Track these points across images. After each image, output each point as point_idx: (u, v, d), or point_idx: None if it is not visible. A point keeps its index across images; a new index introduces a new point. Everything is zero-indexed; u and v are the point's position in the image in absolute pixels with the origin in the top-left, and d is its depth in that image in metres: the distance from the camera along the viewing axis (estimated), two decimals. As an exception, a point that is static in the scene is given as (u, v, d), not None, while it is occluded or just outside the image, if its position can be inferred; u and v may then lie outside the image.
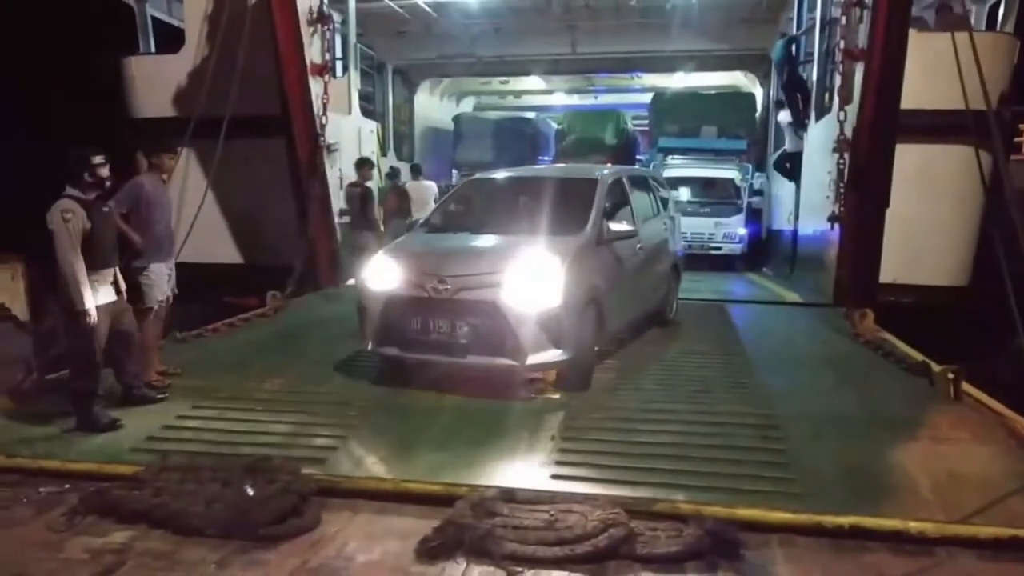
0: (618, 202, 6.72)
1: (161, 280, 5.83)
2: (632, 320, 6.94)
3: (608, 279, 6.01)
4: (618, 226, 6.23)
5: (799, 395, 5.67)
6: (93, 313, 4.77)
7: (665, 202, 8.30)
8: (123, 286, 5.17)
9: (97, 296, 4.86)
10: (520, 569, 3.21)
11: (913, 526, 3.49)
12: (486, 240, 6.02)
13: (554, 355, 5.32)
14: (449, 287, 5.32)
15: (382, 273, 5.72)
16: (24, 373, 5.55)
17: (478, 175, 7.95)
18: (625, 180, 7.13)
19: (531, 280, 5.31)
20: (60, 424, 4.88)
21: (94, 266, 4.85)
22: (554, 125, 21.86)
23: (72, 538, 3.57)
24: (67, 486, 4.09)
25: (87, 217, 4.78)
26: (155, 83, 10.31)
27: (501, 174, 7.71)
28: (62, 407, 4.99)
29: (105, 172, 4.94)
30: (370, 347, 5.69)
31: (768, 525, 3.59)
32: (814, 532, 3.54)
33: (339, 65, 11.88)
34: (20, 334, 7.01)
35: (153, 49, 11.31)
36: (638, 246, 6.82)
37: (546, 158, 19.86)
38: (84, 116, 9.65)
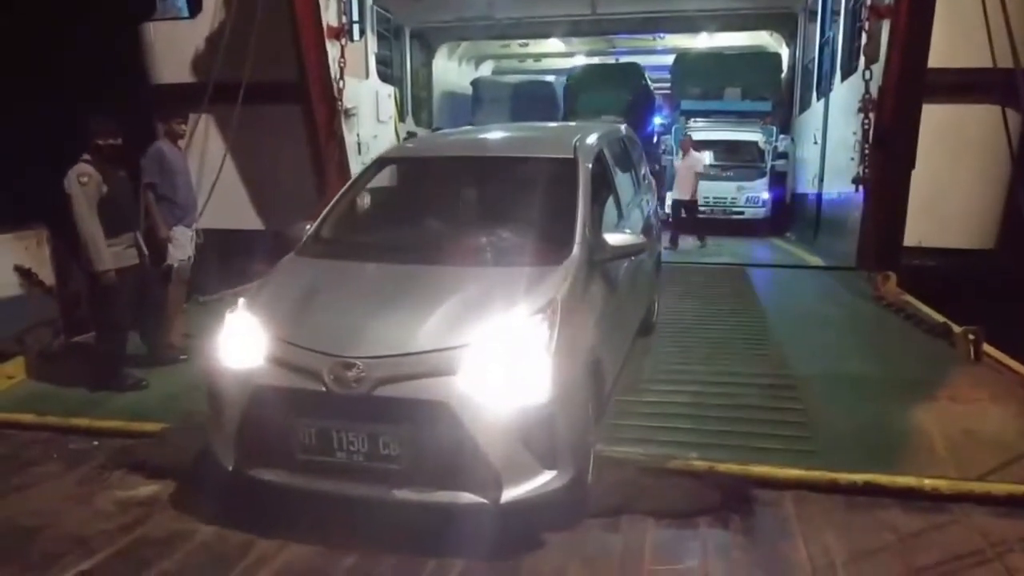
0: (602, 189, 4.52)
1: (184, 242, 5.91)
2: (626, 353, 4.82)
3: (608, 320, 3.96)
4: (619, 238, 4.06)
5: (817, 356, 5.64)
6: (113, 274, 4.86)
7: (639, 165, 6.26)
8: (145, 249, 5.25)
9: (118, 259, 4.94)
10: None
11: (927, 483, 3.50)
12: (420, 280, 3.61)
13: (544, 480, 3.09)
14: (363, 375, 3.06)
15: (243, 344, 3.36)
16: (52, 335, 5.69)
17: (399, 153, 5.25)
18: (606, 152, 4.91)
19: (503, 359, 3.11)
20: (87, 384, 5.01)
21: (114, 230, 4.93)
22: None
23: (101, 492, 3.70)
24: (95, 443, 4.23)
25: (103, 181, 4.85)
26: (173, 49, 10.31)
27: (433, 150, 5.24)
28: (89, 368, 5.11)
29: (118, 139, 5.00)
30: (231, 468, 3.30)
31: (782, 482, 3.62)
32: (828, 489, 3.56)
33: (356, 29, 11.78)
34: (47, 298, 7.16)
35: (186, 13, 11.16)
36: None
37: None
38: (104, 83, 9.70)
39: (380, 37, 13.56)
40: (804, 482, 3.60)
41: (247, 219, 10.54)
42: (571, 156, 4.35)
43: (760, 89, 16.59)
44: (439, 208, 4.56)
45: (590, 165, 4.34)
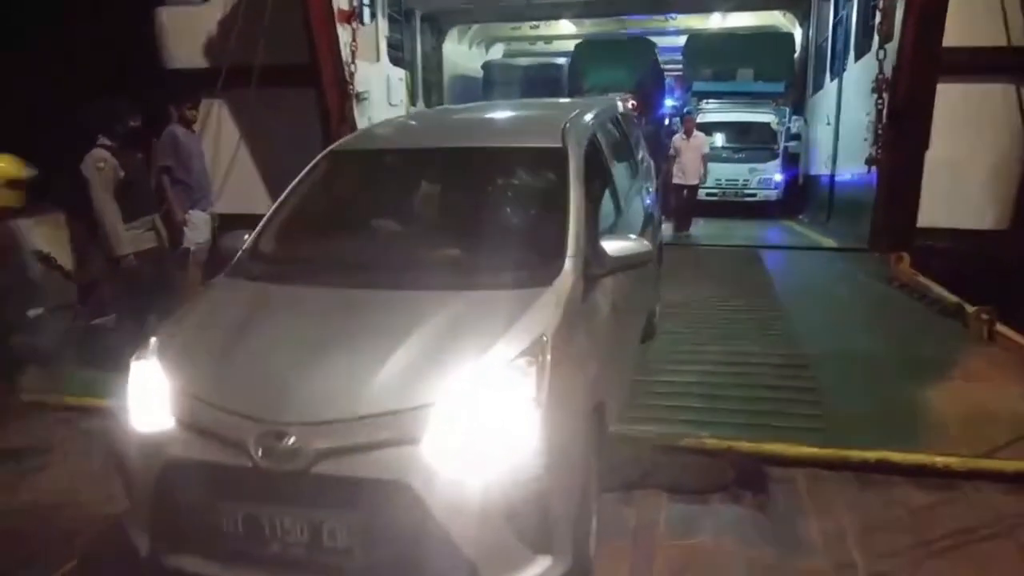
0: (596, 183, 3.73)
1: (201, 225, 5.98)
2: (630, 379, 4.16)
3: (610, 347, 3.27)
4: (622, 245, 3.22)
5: (830, 336, 5.65)
6: (132, 258, 4.93)
7: (636, 147, 5.42)
8: (163, 232, 5.32)
9: (137, 242, 5.01)
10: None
11: (939, 460, 3.53)
12: (373, 313, 2.84)
13: (538, 570, 2.46)
14: (299, 447, 2.37)
15: (152, 401, 2.66)
16: (71, 319, 5.78)
17: (352, 144, 4.13)
18: (600, 136, 4.12)
19: (479, 421, 2.42)
20: (107, 366, 5.08)
21: (132, 213, 5.00)
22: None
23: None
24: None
25: (120, 166, 4.91)
26: (185, 33, 10.33)
27: (393, 141, 4.24)
28: (109, 350, 5.19)
29: (136, 122, 5.06)
30: (144, 553, 2.64)
31: (794, 459, 3.66)
32: (840, 466, 3.61)
33: (367, 12, 11.77)
34: (67, 282, 7.25)
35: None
36: None
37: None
38: (119, 67, 9.75)
39: (391, 20, 13.52)
40: (816, 459, 3.64)
41: (262, 203, 10.59)
42: (559, 145, 3.47)
43: (773, 70, 16.44)
44: (400, 214, 3.75)
45: (583, 154, 3.48)
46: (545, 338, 2.57)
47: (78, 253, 7.42)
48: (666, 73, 20.89)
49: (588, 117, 4.09)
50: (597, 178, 3.76)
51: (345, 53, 9.63)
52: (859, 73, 10.75)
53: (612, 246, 3.17)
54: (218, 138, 9.43)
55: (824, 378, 4.70)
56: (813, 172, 14.77)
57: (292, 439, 2.36)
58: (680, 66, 19.59)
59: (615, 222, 3.84)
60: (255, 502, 2.44)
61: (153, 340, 2.85)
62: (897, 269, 7.59)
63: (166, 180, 5.75)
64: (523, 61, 20.89)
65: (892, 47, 8.41)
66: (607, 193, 3.94)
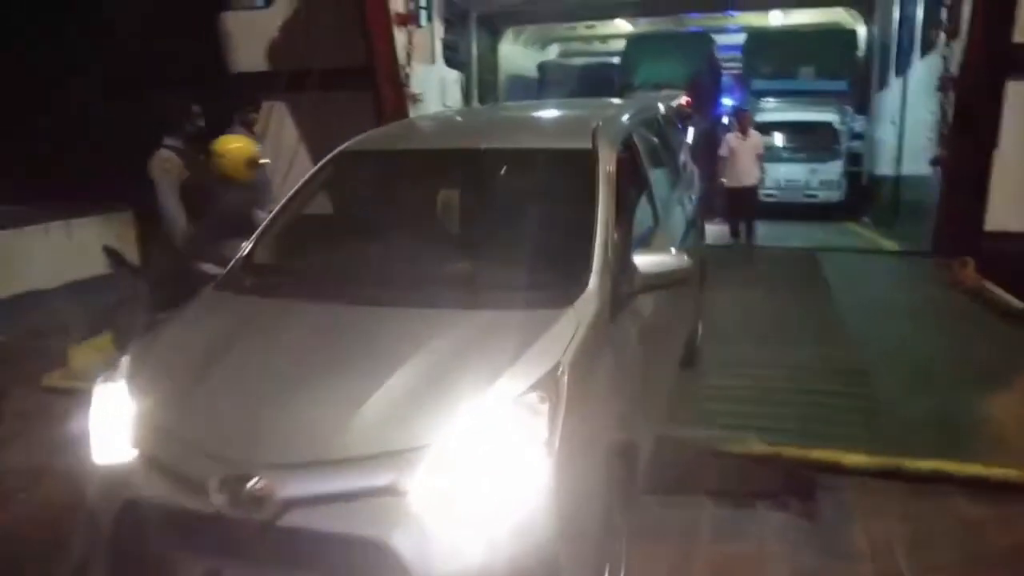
0: (631, 190, 3.35)
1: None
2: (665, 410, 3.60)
3: (642, 377, 2.86)
4: (656, 261, 2.80)
5: (886, 342, 5.51)
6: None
7: (679, 152, 4.96)
8: (223, 231, 5.51)
9: (200, 240, 5.20)
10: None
11: (996, 472, 3.43)
12: (365, 334, 2.49)
13: None
14: (265, 493, 2.03)
15: (117, 430, 2.36)
16: (138, 313, 6.02)
17: (364, 145, 3.63)
18: (637, 138, 3.69)
19: (478, 470, 2.08)
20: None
21: (197, 212, 5.18)
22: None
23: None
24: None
25: (185, 166, 5.11)
26: (248, 37, 10.64)
27: (408, 140, 3.82)
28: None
29: (201, 123, 5.25)
30: None
31: (844, 467, 3.61)
32: (892, 475, 3.54)
33: (423, 15, 11.93)
34: (135, 278, 7.58)
35: (261, 2, 11.52)
36: None
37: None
38: (185, 70, 10.11)
39: (447, 22, 13.68)
40: (867, 468, 3.58)
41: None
42: (588, 147, 3.09)
43: (835, 68, 16.07)
44: (409, 221, 3.44)
45: (615, 158, 3.09)
46: (561, 369, 2.19)
47: (145, 249, 7.76)
48: (725, 71, 20.57)
49: (624, 118, 3.75)
50: (631, 185, 3.37)
51: (401, 56, 9.79)
52: (925, 70, 10.41)
53: (644, 261, 2.75)
54: (278, 140, 9.69)
55: (878, 384, 4.60)
56: (877, 173, 14.37)
57: (257, 483, 2.00)
58: (740, 64, 19.31)
59: (651, 234, 3.40)
60: (217, 556, 2.11)
61: (125, 359, 2.54)
62: (961, 274, 7.33)
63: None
64: (578, 61, 20.89)
65: (959, 44, 8.13)
66: (643, 202, 3.53)
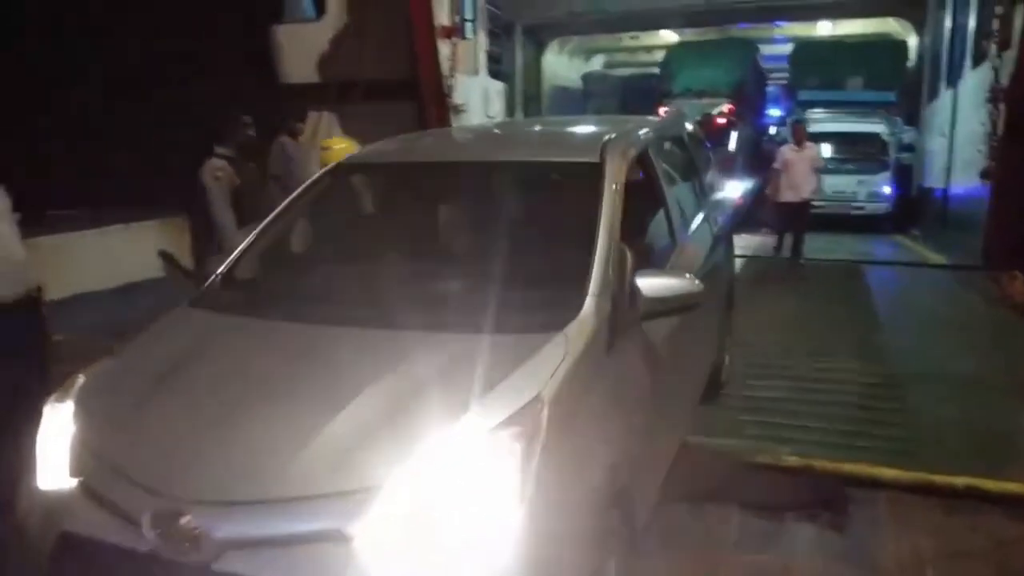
0: (642, 204, 3.08)
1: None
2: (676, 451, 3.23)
3: (645, 414, 2.53)
4: (661, 284, 2.48)
5: (926, 356, 5.44)
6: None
7: (704, 171, 4.51)
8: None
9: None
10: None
11: (1033, 490, 3.37)
12: (325, 356, 2.30)
13: None
14: (199, 532, 1.82)
15: (60, 456, 2.17)
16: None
17: (357, 159, 3.63)
18: (653, 154, 3.36)
19: (438, 516, 1.79)
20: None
21: (246, 219, 5.39)
22: None
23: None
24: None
25: (236, 174, 5.33)
26: (298, 49, 10.96)
27: (406, 154, 3.54)
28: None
29: (252, 132, 5.47)
30: None
31: (876, 481, 3.57)
32: (925, 491, 3.48)
33: (468, 27, 12.13)
34: (187, 281, 7.84)
35: (312, 14, 11.82)
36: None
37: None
38: (238, 83, 10.45)
39: (491, 34, 13.86)
40: (900, 483, 3.54)
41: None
42: (594, 160, 2.85)
43: (884, 78, 15.84)
44: (401, 237, 3.24)
45: (624, 173, 2.85)
46: (541, 402, 1.92)
47: (198, 254, 8.03)
48: (771, 82, 20.38)
49: (641, 132, 3.45)
50: (643, 202, 3.11)
51: (445, 67, 9.98)
52: (975, 82, 10.22)
53: (649, 284, 2.43)
54: (325, 149, 9.95)
55: (917, 399, 4.55)
56: (927, 185, 14.10)
57: (190, 521, 1.80)
58: (786, 75, 19.13)
59: (665, 256, 3.12)
60: None
61: (80, 378, 2.38)
62: (1010, 288, 7.17)
63: (276, 188, 6.16)
64: (622, 72, 20.92)
65: (1010, 55, 7.98)
66: (656, 221, 3.26)
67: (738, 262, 9.11)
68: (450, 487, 1.79)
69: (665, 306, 2.47)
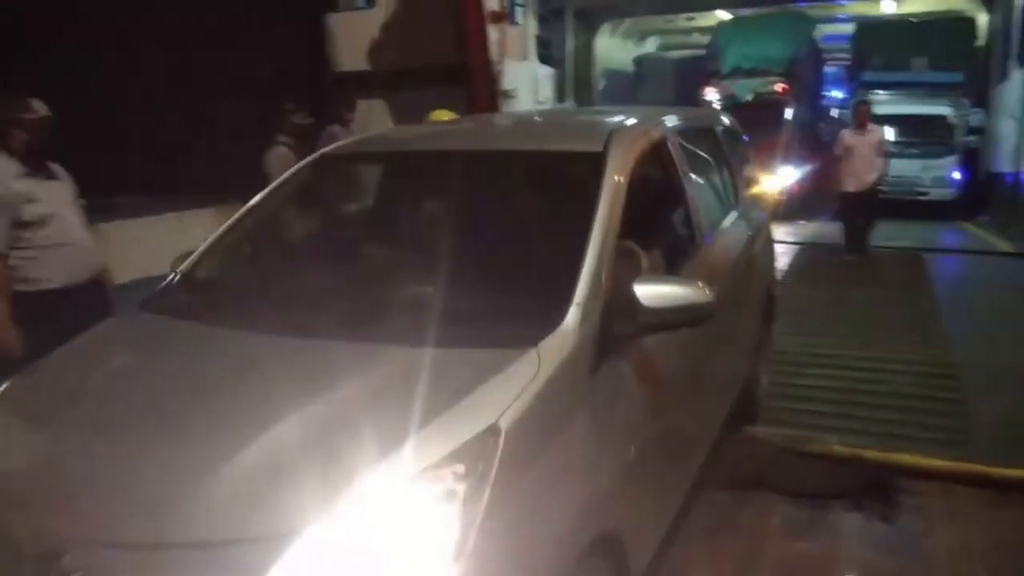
0: (653, 204, 2.71)
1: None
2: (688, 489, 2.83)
3: (641, 445, 2.14)
4: (661, 292, 2.06)
5: (987, 346, 5.28)
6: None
7: (738, 170, 4.00)
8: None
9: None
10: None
11: (1091, 485, 3.26)
12: (261, 373, 1.95)
13: None
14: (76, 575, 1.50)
15: None
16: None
17: (342, 149, 3.23)
18: (671, 146, 2.90)
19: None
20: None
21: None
22: None
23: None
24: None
25: (297, 160, 5.48)
26: (350, 37, 11.10)
27: (389, 144, 3.35)
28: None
29: (306, 120, 5.63)
30: None
31: (928, 472, 3.51)
32: (978, 482, 3.41)
33: (519, 12, 12.10)
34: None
35: (363, 3, 12.00)
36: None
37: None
38: (293, 72, 10.65)
39: (541, 19, 13.79)
40: (952, 473, 3.47)
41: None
42: (597, 150, 2.47)
43: (951, 59, 15.19)
44: (374, 236, 3.00)
45: (631, 165, 2.47)
46: (496, 433, 1.60)
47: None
48: (833, 63, 19.76)
49: (658, 121, 3.04)
50: (660, 199, 2.80)
51: (494, 52, 9.98)
52: (1049, 61, 9.77)
53: (648, 292, 2.05)
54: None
55: (973, 390, 4.42)
56: (996, 169, 13.55)
57: (69, 562, 1.52)
58: (847, 55, 18.55)
59: (684, 260, 2.73)
60: None
61: (5, 386, 2.15)
62: (1080, 277, 6.89)
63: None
64: (674, 54, 20.59)
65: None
66: (672, 221, 2.87)
67: (792, 250, 9.02)
68: (376, 536, 1.48)
69: (668, 318, 2.07)
